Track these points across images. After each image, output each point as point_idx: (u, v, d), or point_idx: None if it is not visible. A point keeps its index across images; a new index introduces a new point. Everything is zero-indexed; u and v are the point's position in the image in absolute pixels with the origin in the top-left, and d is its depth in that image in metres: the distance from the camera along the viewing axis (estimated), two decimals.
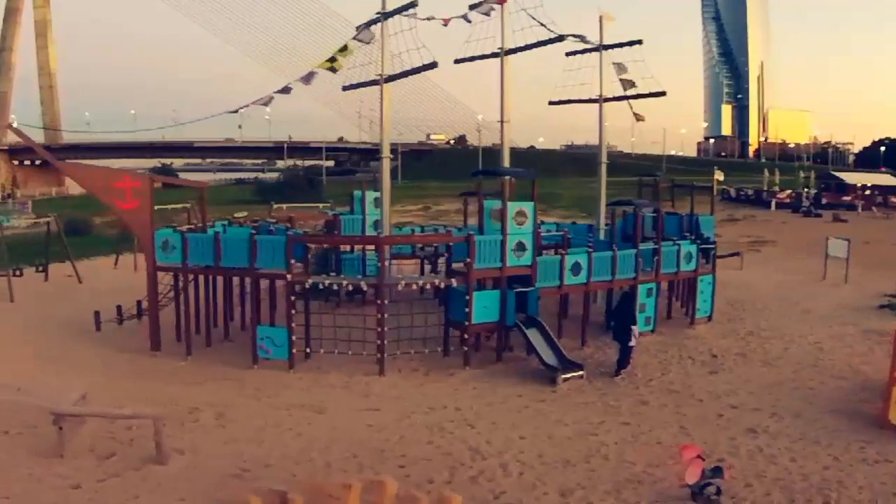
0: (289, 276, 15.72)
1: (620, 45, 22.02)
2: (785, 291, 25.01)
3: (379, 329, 15.54)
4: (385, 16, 17.87)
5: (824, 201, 65.28)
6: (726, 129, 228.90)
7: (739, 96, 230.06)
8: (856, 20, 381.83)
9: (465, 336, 16.24)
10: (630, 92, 22.33)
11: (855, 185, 66.47)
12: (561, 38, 19.27)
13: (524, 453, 11.13)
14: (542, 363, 15.57)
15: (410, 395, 14.32)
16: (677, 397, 14.21)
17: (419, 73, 18.07)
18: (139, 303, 19.87)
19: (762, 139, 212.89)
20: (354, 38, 18.00)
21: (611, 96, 22.80)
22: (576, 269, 17.66)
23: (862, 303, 22.93)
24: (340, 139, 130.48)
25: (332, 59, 17.64)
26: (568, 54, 22.84)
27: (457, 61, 20.06)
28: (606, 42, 22.21)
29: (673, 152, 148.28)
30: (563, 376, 15.07)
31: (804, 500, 9.55)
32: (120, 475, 9.85)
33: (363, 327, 15.89)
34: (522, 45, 19.31)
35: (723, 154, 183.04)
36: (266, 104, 20.42)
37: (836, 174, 75.99)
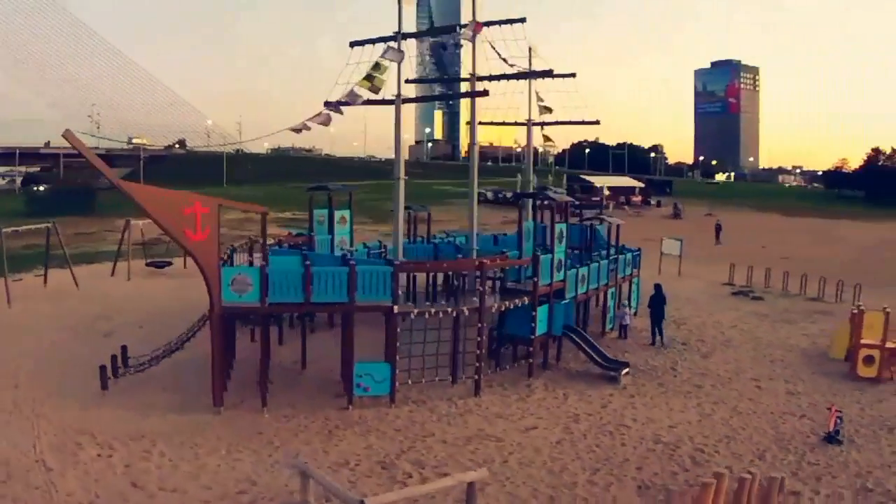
0: (395, 308, 15.76)
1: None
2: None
3: (478, 351, 16.63)
4: (404, 36, 18.63)
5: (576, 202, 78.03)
6: (438, 133, 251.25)
7: (451, 103, 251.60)
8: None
9: (531, 349, 18.17)
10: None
11: (601, 186, 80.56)
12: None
13: (699, 436, 13.99)
14: (600, 365, 18.29)
15: (533, 410, 15.80)
16: (711, 377, 18.17)
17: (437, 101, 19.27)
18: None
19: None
20: (383, 56, 18.35)
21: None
22: (583, 280, 20.71)
23: (714, 291, 30.11)
24: (47, 144, 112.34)
25: (371, 78, 17.77)
26: None
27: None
28: None
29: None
30: (623, 372, 18.02)
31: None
32: None
33: (437, 354, 16.58)
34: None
35: (437, 157, 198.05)
36: None
37: (584, 177, 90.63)
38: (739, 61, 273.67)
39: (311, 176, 68.07)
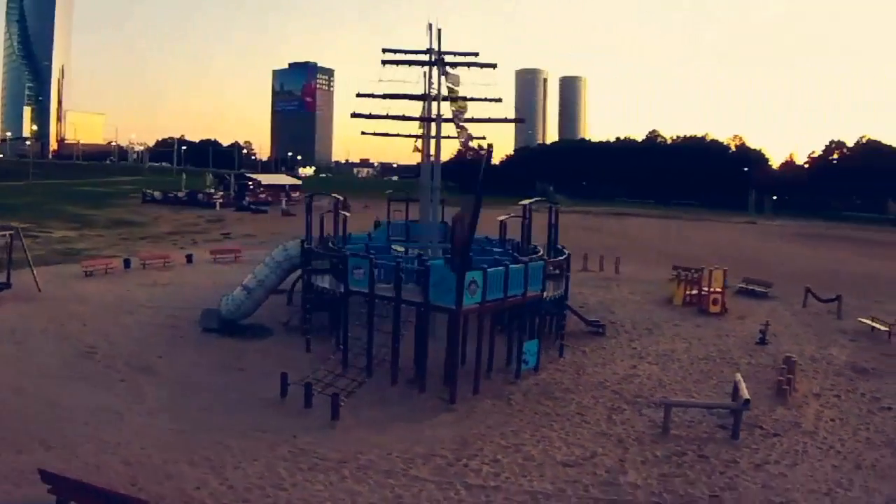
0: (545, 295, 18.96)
1: None
2: None
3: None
4: (446, 64, 21.63)
5: (248, 200, 78.06)
6: (27, 129, 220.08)
7: (41, 98, 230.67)
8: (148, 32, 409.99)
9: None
10: None
11: (268, 183, 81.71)
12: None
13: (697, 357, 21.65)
14: (588, 323, 24.24)
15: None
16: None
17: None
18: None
19: (60, 140, 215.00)
20: (448, 83, 20.83)
21: None
22: None
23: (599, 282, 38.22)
24: None
25: (462, 106, 20.21)
26: None
27: None
28: None
29: None
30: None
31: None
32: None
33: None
34: None
35: (24, 156, 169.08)
36: None
37: (251, 175, 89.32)
38: (316, 63, 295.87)
39: None
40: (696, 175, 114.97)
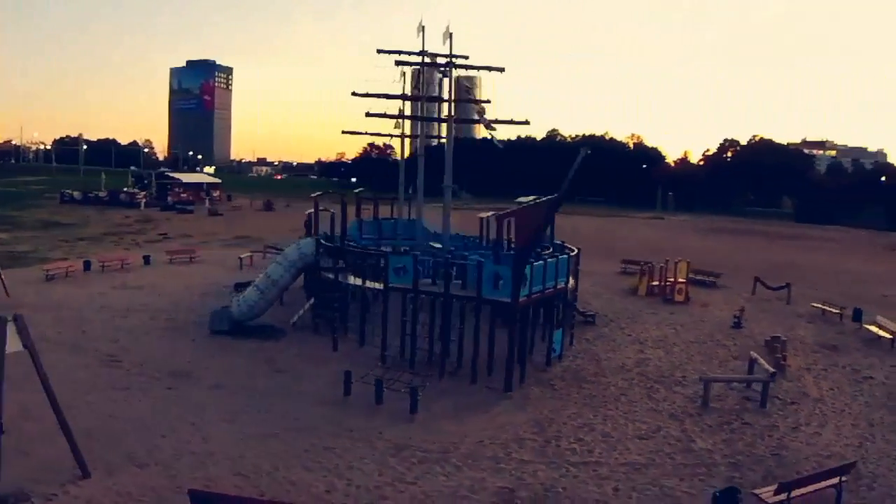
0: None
1: None
2: None
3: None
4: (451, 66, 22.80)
5: (170, 199, 74.97)
6: None
7: None
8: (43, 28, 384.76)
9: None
10: None
11: (188, 182, 78.60)
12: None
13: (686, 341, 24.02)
14: (581, 314, 26.01)
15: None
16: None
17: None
18: None
19: None
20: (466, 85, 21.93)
21: None
22: None
23: None
24: None
25: (481, 108, 21.34)
26: None
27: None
28: None
29: None
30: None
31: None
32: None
33: None
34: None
35: None
36: None
37: (171, 174, 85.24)
38: (215, 61, 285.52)
39: None
40: (599, 172, 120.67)
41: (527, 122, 25.86)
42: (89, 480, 11.63)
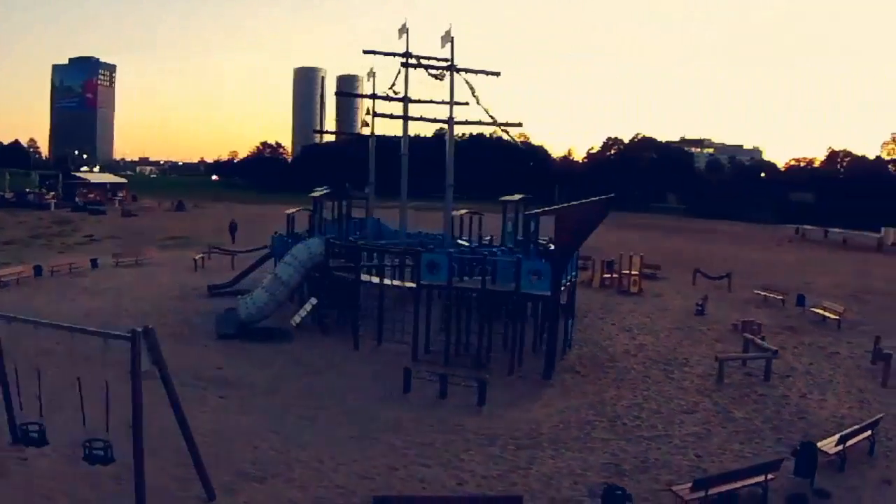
0: None
1: None
2: None
3: None
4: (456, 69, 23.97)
5: (79, 199, 70.19)
6: None
7: None
8: None
9: None
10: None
11: (95, 182, 73.71)
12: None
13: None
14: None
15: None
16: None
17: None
18: None
19: None
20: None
21: None
22: None
23: None
24: None
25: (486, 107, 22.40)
26: None
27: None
28: None
29: None
30: None
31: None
32: None
33: None
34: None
35: None
36: None
37: (78, 174, 79.60)
38: (98, 59, 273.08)
39: None
40: (489, 170, 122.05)
41: (519, 125, 27.37)
42: (216, 503, 11.05)
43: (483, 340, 19.70)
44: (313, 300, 23.63)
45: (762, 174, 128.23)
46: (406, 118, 28.58)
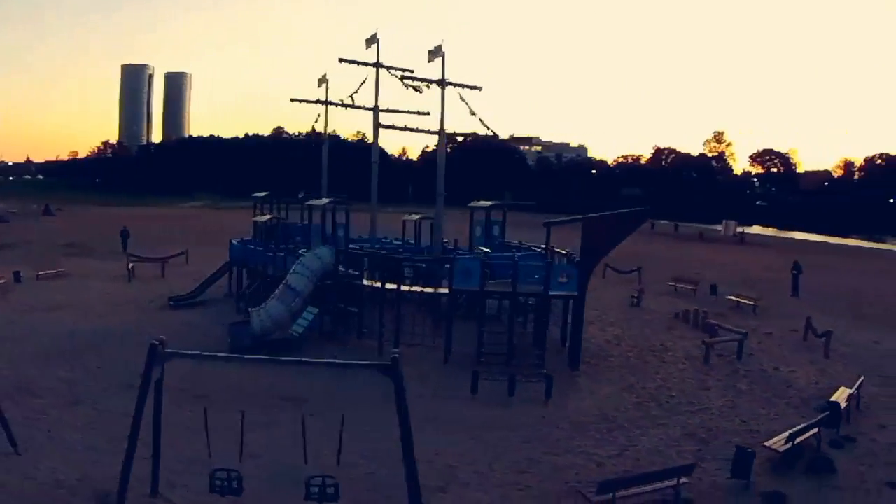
0: None
1: None
2: None
3: None
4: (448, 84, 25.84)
5: None
6: None
7: None
8: None
9: None
10: None
11: None
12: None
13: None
14: None
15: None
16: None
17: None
18: None
19: None
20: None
21: None
22: None
23: None
24: None
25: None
26: None
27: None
28: None
29: None
30: None
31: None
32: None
33: None
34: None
35: None
36: None
37: None
38: None
39: None
40: (335, 170, 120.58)
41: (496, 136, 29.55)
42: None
43: (522, 340, 21.72)
44: (314, 309, 23.92)
45: (593, 171, 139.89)
46: (377, 126, 29.61)
